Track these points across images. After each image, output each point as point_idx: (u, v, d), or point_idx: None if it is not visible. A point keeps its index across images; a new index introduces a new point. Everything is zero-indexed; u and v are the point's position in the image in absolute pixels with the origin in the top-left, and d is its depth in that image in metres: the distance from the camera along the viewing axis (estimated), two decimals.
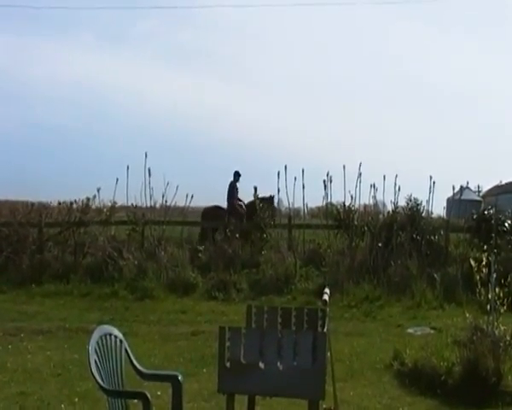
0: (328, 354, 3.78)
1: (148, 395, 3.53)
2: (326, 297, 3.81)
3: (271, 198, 13.70)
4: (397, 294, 10.69)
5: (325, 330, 3.61)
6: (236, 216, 13.38)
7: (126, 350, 3.92)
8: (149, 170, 12.65)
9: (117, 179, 12.75)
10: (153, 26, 61.07)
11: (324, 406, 3.90)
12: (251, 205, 13.60)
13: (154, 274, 11.54)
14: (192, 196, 12.97)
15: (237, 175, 14.41)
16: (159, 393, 5.18)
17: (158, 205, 13.12)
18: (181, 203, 13.27)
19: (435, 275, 11.00)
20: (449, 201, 16.01)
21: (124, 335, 4.04)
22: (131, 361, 3.94)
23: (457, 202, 14.71)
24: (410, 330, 8.72)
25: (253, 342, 3.35)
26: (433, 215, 13.43)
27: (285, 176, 12.94)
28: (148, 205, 12.95)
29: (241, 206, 13.93)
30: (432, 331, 8.56)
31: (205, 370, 6.41)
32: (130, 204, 13.16)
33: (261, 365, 3.31)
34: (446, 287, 10.71)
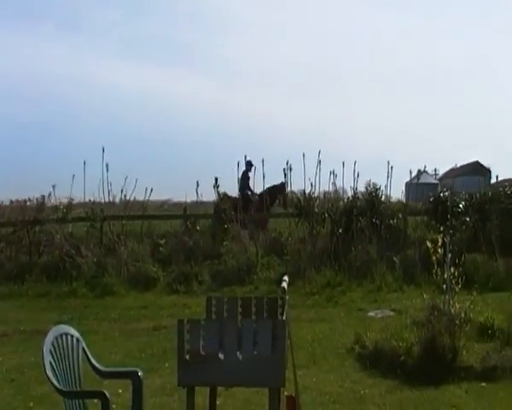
0: (289, 341, 3.79)
1: (107, 394, 3.45)
2: (284, 285, 3.81)
3: (283, 185, 13.54)
4: (358, 278, 10.84)
5: (284, 317, 3.61)
6: (248, 206, 13.12)
7: (84, 349, 3.83)
8: (107, 165, 12.44)
9: (73, 176, 12.52)
10: (113, 15, 60.03)
11: (286, 393, 3.91)
12: (262, 195, 13.38)
13: (114, 270, 11.38)
14: (151, 190, 12.85)
15: (249, 165, 14.05)
16: (120, 391, 5.12)
17: (117, 200, 12.95)
18: (140, 197, 13.14)
19: (395, 258, 11.20)
20: (407, 185, 16.30)
21: (83, 333, 3.95)
22: (89, 360, 3.86)
23: (415, 186, 14.99)
24: (371, 314, 8.84)
25: (212, 333, 3.32)
26: (392, 200, 13.68)
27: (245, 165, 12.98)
28: (107, 200, 12.75)
29: (252, 195, 13.73)
30: (392, 314, 8.70)
31: (167, 364, 6.34)
32: (87, 200, 12.93)
33: (221, 355, 3.29)
34: (405, 269, 10.91)
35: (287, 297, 3.78)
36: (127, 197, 12.68)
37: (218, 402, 4.18)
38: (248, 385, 3.51)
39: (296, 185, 13.74)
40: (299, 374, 5.86)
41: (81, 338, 3.84)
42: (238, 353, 3.26)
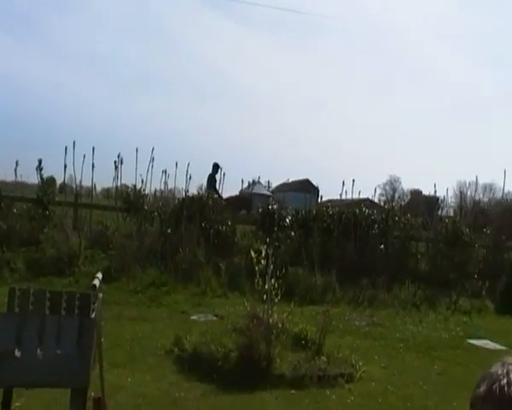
0: (102, 339, 3.50)
1: None
2: (96, 282, 3.50)
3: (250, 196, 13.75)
4: (184, 281, 10.70)
5: (93, 315, 3.30)
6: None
7: None
8: None
9: None
10: None
11: (93, 394, 3.58)
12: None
13: None
14: None
15: (216, 167, 14.13)
16: None
17: None
18: None
19: (221, 264, 11.27)
20: (240, 193, 16.64)
21: None
22: None
23: (248, 196, 15.38)
24: (193, 317, 8.76)
25: (9, 328, 2.91)
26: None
27: (73, 152, 12.15)
28: None
29: (220, 198, 13.54)
30: (215, 318, 8.71)
31: None
32: None
33: (17, 353, 2.89)
34: (231, 276, 11.02)
35: (100, 295, 3.48)
36: None
37: (18, 404, 3.73)
38: (48, 386, 3.14)
39: (128, 179, 13.36)
40: (114, 373, 5.57)
41: None
42: (38, 350, 2.89)
